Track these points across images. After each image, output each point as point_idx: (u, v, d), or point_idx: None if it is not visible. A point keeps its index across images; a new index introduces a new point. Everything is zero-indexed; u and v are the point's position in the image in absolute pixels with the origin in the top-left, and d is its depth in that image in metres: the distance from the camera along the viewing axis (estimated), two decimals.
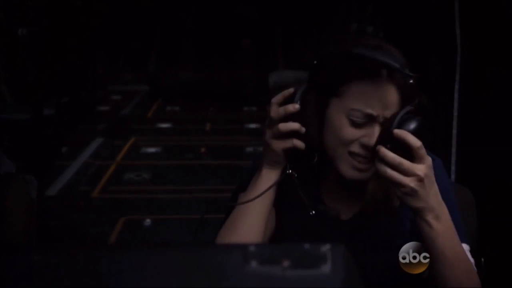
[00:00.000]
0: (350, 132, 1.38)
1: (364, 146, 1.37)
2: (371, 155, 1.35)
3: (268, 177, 1.43)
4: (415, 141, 1.30)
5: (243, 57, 10.06)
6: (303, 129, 1.39)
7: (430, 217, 1.32)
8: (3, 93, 5.18)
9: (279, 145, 1.40)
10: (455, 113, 2.46)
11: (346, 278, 0.73)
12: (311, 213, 1.43)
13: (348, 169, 1.40)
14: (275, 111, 1.40)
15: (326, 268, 0.73)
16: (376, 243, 1.44)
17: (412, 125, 1.32)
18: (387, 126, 1.34)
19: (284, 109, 1.39)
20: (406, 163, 1.29)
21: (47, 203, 4.20)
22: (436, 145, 2.43)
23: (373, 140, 1.35)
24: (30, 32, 4.58)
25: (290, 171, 1.43)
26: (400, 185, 1.30)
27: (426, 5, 2.54)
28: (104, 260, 0.77)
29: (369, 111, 1.36)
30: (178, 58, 10.09)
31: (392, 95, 1.37)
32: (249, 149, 6.34)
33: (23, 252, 0.78)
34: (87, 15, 5.60)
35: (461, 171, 2.46)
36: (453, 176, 2.45)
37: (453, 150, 2.46)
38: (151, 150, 6.33)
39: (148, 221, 4.32)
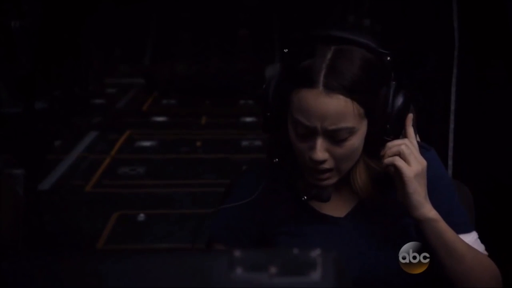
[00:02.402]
0: (298, 144, 1.33)
1: (312, 161, 1.32)
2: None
3: None
4: (412, 132, 1.34)
5: (240, 48, 10.04)
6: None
7: (433, 213, 1.32)
8: None
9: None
10: (453, 107, 2.44)
11: (337, 286, 0.70)
12: (303, 199, 1.38)
13: (310, 178, 1.36)
14: None
15: (316, 275, 0.69)
16: (373, 241, 1.40)
17: (402, 100, 1.31)
18: (380, 102, 1.30)
19: None
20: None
21: (39, 198, 4.17)
22: (433, 140, 2.41)
23: (315, 154, 1.29)
24: (24, 25, 4.54)
25: (277, 159, 1.39)
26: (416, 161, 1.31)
27: None
28: (90, 266, 0.76)
29: (306, 122, 1.28)
30: (174, 50, 10.06)
31: (333, 105, 1.26)
32: (245, 142, 6.31)
33: (9, 258, 0.76)
34: (82, 7, 5.57)
35: (458, 166, 2.45)
36: (450, 172, 2.43)
37: (450, 145, 2.44)
38: (146, 143, 6.30)
39: (142, 216, 4.29)
